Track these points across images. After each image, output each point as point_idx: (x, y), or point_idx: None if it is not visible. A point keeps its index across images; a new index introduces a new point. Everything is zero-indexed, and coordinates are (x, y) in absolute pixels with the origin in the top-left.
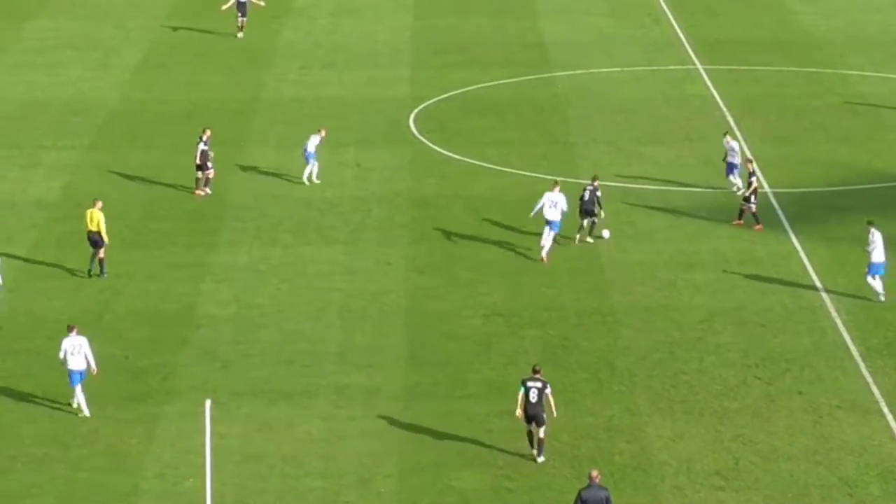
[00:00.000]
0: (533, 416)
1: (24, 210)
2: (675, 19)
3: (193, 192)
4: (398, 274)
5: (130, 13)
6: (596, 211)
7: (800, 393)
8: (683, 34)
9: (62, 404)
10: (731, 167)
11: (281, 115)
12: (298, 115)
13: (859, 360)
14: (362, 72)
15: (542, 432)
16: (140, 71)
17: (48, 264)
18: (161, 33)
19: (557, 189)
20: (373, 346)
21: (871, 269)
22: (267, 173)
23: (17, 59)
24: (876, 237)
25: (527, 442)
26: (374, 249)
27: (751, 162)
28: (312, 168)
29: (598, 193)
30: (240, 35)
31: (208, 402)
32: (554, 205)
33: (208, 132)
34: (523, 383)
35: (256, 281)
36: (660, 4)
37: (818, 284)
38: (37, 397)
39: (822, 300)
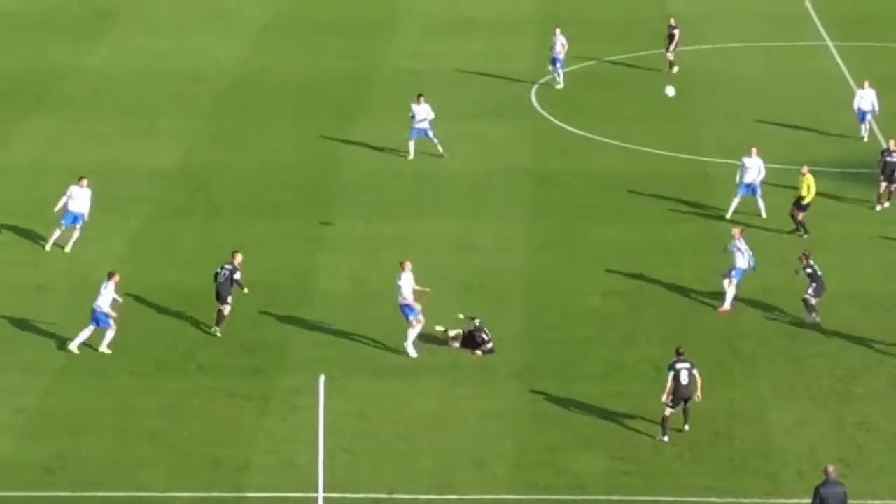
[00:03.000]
0: (684, 397)
1: (141, 180)
2: None
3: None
4: (517, 251)
5: None
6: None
7: None
8: (813, 8)
9: (177, 376)
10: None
11: (400, 85)
12: (418, 87)
13: None
14: (484, 43)
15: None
16: (259, 39)
17: (164, 235)
18: (281, 2)
19: (755, 153)
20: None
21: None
22: (385, 145)
23: (137, 28)
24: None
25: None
26: (493, 225)
27: None
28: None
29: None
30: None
31: (322, 378)
32: (750, 168)
33: (239, 256)
34: (671, 367)
35: (372, 255)
36: None
37: None
38: (150, 370)
39: None
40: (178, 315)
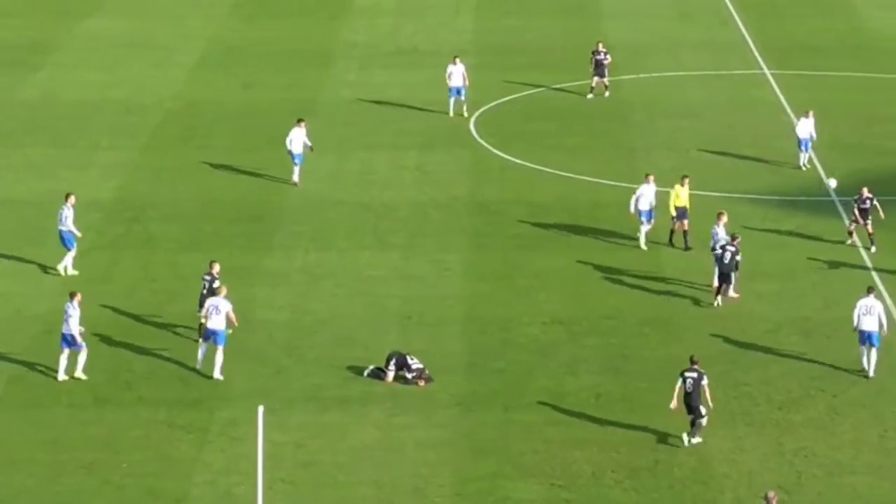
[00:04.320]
0: (689, 405)
1: (78, 211)
2: (742, 23)
3: None
4: (456, 280)
5: (187, 12)
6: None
7: (865, 406)
8: (751, 38)
9: (114, 408)
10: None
11: (340, 117)
12: (357, 118)
13: None
14: (423, 73)
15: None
16: (197, 71)
17: (101, 266)
18: (218, 33)
19: (652, 180)
20: (429, 353)
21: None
22: (324, 176)
23: (73, 59)
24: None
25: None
26: (433, 255)
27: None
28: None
29: (739, 257)
30: (590, 96)
31: (261, 409)
32: (648, 196)
33: (216, 266)
34: (681, 374)
35: (312, 286)
36: (727, 8)
37: (886, 297)
38: (87, 401)
39: (891, 312)
40: (116, 347)
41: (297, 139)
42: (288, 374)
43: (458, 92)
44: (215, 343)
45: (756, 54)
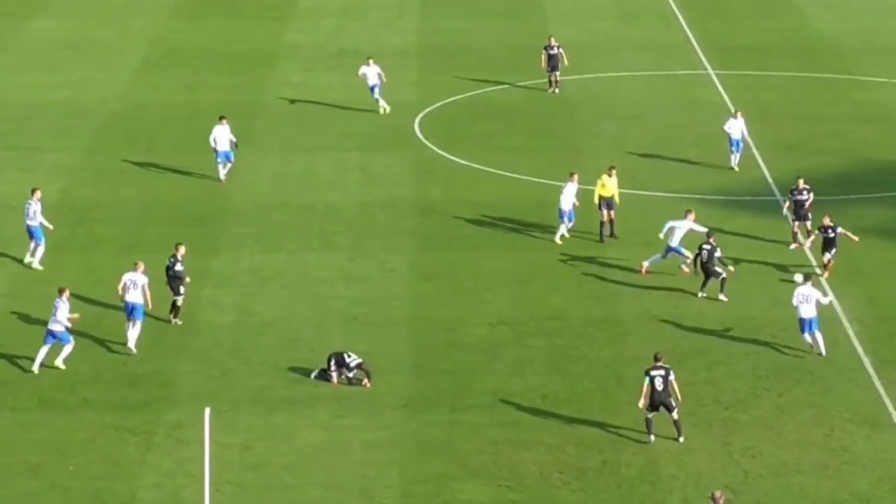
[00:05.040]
0: (660, 403)
1: (22, 213)
2: (686, 23)
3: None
4: (402, 281)
5: (131, 14)
6: (719, 270)
7: (811, 405)
8: (695, 38)
9: (60, 411)
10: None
11: (284, 118)
12: (302, 119)
13: (871, 371)
14: None
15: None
16: (140, 73)
17: (46, 269)
18: (162, 35)
19: (577, 179)
20: (375, 355)
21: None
22: (268, 178)
23: (17, 60)
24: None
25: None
26: (378, 256)
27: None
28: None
29: (718, 253)
30: (553, 91)
31: (207, 411)
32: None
33: (182, 248)
34: (647, 373)
35: (257, 287)
36: (671, 8)
37: (831, 295)
38: (33, 405)
39: (835, 310)
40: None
41: (222, 137)
42: (234, 375)
43: (373, 90)
44: (133, 318)
45: (700, 54)
